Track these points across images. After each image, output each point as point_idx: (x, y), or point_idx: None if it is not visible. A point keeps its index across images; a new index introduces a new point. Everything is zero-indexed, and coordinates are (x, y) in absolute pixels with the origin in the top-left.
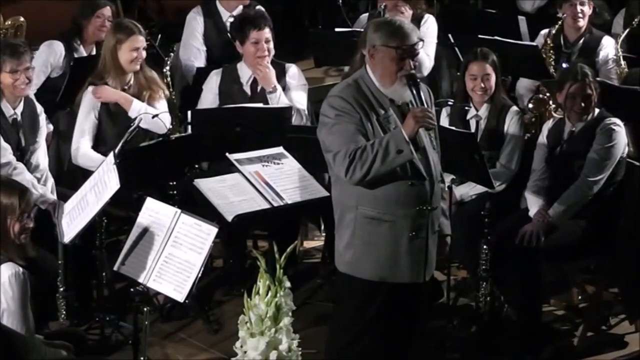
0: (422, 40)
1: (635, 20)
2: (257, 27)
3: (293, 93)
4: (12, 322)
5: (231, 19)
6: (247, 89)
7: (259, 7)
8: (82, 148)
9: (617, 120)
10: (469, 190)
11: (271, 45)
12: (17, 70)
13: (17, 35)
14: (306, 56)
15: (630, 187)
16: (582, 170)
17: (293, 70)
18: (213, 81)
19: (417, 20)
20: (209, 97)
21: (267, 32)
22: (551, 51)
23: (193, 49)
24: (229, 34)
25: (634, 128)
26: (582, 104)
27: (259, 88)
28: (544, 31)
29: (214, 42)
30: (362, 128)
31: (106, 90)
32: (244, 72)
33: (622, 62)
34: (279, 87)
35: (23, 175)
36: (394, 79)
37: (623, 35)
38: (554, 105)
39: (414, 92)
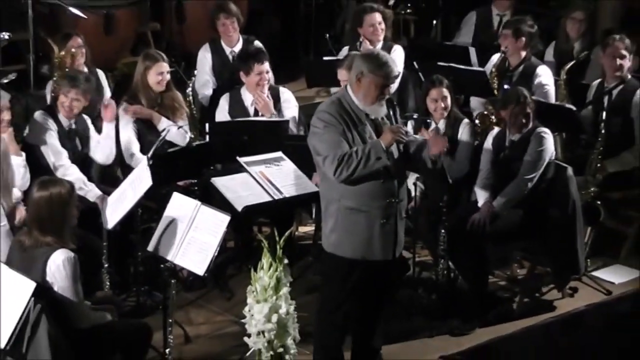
0: (399, 73)
1: (582, 54)
2: (259, 61)
3: (286, 113)
4: (67, 295)
5: (233, 53)
6: (251, 110)
7: (256, 42)
8: (136, 153)
9: (547, 130)
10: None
11: (270, 74)
12: (67, 97)
13: (73, 61)
14: (300, 79)
15: (559, 183)
16: (520, 170)
17: (286, 96)
18: (223, 105)
19: (387, 50)
20: (221, 117)
21: (267, 65)
22: (495, 78)
23: (204, 80)
24: (233, 65)
25: (562, 136)
26: (523, 120)
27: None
28: (495, 56)
29: (220, 72)
30: (345, 136)
31: (138, 107)
32: (247, 96)
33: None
34: (275, 113)
35: (76, 175)
36: (374, 101)
37: (569, 66)
38: (495, 120)
39: (391, 112)
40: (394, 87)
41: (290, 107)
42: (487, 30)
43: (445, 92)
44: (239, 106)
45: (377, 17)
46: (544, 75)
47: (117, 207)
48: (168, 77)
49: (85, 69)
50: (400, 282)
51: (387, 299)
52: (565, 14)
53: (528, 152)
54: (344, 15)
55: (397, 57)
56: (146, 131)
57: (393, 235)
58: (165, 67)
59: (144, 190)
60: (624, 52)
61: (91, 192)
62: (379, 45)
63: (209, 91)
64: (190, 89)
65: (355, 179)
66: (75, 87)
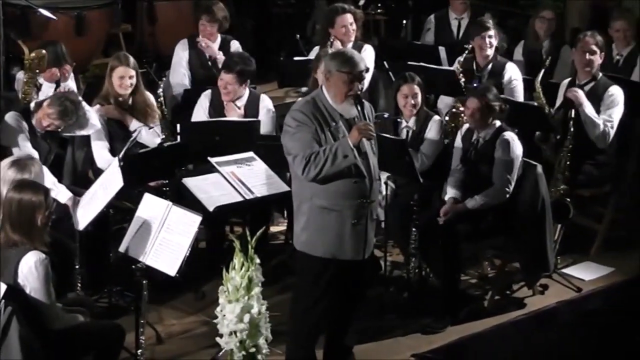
0: (368, 68)
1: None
2: (223, 69)
3: (262, 118)
4: (38, 297)
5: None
6: None
7: (235, 43)
8: (105, 155)
9: (511, 134)
10: None
11: (232, 87)
12: (48, 119)
13: (39, 65)
14: (272, 79)
15: (528, 181)
16: (494, 178)
17: (264, 103)
18: (203, 101)
19: (357, 49)
20: (200, 112)
21: (230, 77)
22: (461, 74)
23: (180, 73)
24: (209, 62)
25: (530, 134)
26: (480, 117)
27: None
28: (460, 58)
29: (197, 68)
30: (317, 136)
31: (110, 109)
32: None
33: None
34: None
35: (47, 177)
36: (344, 98)
37: (540, 76)
38: (466, 118)
39: (359, 109)
40: (365, 84)
41: (267, 114)
42: (447, 34)
43: (417, 89)
44: (219, 105)
45: (349, 18)
46: (513, 72)
47: (88, 208)
48: (132, 81)
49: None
50: (372, 281)
51: (359, 298)
52: (534, 13)
53: (496, 158)
54: (315, 16)
55: (368, 56)
56: (117, 132)
57: (364, 235)
58: (128, 71)
59: (115, 192)
60: (595, 48)
61: (62, 193)
62: (350, 45)
63: (184, 86)
64: (161, 89)
65: (323, 177)
66: (61, 119)
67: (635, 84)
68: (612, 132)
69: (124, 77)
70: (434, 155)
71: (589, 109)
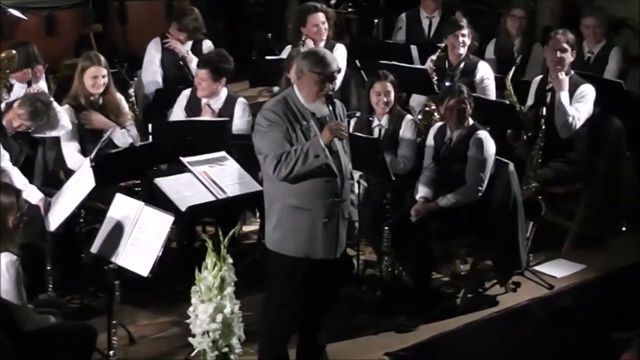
0: (340, 68)
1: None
2: (199, 66)
3: (236, 121)
4: (9, 298)
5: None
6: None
7: (208, 42)
8: (76, 155)
9: (485, 133)
10: None
11: (207, 83)
12: (19, 120)
13: (9, 65)
14: (243, 79)
15: (500, 179)
16: (466, 176)
17: (240, 106)
18: (182, 100)
19: (329, 49)
20: (178, 111)
21: (204, 73)
22: (434, 73)
23: (152, 71)
24: (181, 62)
25: (502, 132)
26: (457, 115)
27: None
28: (432, 56)
29: (169, 67)
30: (288, 136)
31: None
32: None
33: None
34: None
35: (18, 178)
36: (316, 98)
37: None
38: (438, 116)
39: (330, 108)
40: (338, 83)
41: (242, 116)
42: (418, 32)
43: (389, 86)
44: (196, 104)
45: (321, 17)
46: (485, 71)
47: (60, 209)
48: (105, 80)
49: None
50: (344, 280)
51: (331, 297)
52: (505, 11)
53: (470, 157)
54: (287, 15)
55: (340, 55)
56: (87, 133)
57: (335, 234)
58: (101, 71)
59: (87, 192)
60: (566, 46)
61: (33, 194)
62: (322, 44)
63: (157, 84)
64: (132, 89)
65: (295, 177)
66: (32, 120)
67: (607, 82)
68: (577, 125)
69: (97, 77)
70: (414, 156)
71: (565, 97)
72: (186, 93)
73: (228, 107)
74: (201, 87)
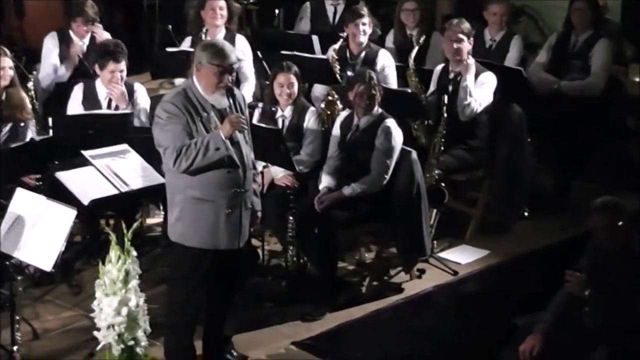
0: (240, 60)
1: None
2: (116, 60)
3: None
4: None
5: (82, 45)
6: (104, 103)
7: (106, 34)
8: None
9: (393, 122)
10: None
11: (124, 74)
12: None
13: None
14: (144, 71)
15: (403, 167)
16: (372, 165)
17: (139, 93)
18: (77, 94)
19: (230, 40)
20: (75, 105)
21: (123, 65)
22: (337, 62)
23: (50, 65)
24: (79, 55)
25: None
26: (367, 102)
27: (113, 104)
28: (334, 46)
29: (67, 61)
30: (188, 128)
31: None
32: (101, 89)
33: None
34: (130, 103)
35: None
36: (215, 90)
37: (414, 54)
38: (341, 106)
39: (231, 100)
40: (247, 73)
41: (142, 102)
42: (323, 21)
43: (293, 78)
44: (92, 98)
45: (221, 2)
46: (385, 59)
47: None
48: (11, 72)
49: None
50: (250, 271)
51: (236, 288)
52: (398, 4)
53: (377, 145)
54: (188, 6)
55: (241, 47)
56: None
57: (238, 225)
58: (7, 62)
59: None
60: (462, 36)
61: None
62: (221, 34)
63: (56, 78)
64: (31, 83)
65: (195, 169)
66: None
67: (508, 69)
68: (478, 109)
69: (4, 68)
70: (320, 148)
71: (471, 80)
72: (80, 87)
73: (127, 92)
74: (117, 78)
